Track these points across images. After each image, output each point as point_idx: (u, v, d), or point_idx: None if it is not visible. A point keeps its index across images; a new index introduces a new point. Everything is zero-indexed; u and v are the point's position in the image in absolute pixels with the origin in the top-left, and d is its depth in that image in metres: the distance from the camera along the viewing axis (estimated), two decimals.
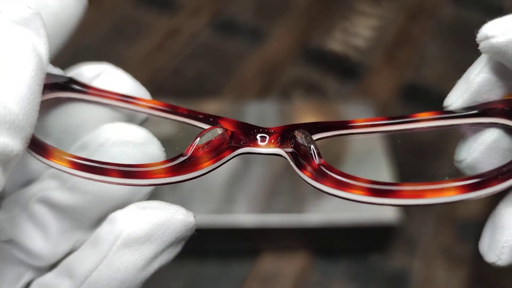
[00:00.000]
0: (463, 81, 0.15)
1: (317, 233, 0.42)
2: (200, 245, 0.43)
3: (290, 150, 0.14)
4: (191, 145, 0.14)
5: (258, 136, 0.14)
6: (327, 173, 0.13)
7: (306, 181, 0.13)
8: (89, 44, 0.63)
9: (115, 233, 0.12)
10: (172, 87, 0.59)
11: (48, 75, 0.14)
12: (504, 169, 0.12)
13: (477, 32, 0.14)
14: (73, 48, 0.62)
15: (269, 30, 0.66)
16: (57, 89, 0.16)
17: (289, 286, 0.42)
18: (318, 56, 0.63)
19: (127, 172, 0.13)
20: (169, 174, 0.13)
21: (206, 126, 0.15)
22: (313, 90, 0.58)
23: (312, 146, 0.13)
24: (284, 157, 0.14)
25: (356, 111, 0.45)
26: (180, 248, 0.14)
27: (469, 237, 0.45)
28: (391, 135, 0.13)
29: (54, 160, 0.13)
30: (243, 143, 0.14)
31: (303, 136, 0.13)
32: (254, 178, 0.42)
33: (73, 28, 0.17)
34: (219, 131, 0.14)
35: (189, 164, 0.13)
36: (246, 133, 0.14)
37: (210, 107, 0.48)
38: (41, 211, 0.14)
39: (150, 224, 0.13)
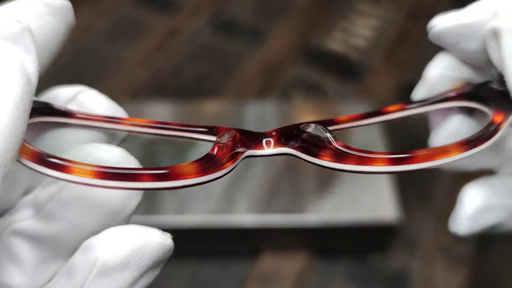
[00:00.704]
0: (422, 77, 0.18)
1: (317, 233, 0.42)
2: (200, 245, 0.43)
3: (297, 145, 0.14)
4: (215, 144, 0.13)
5: (263, 141, 0.14)
6: (348, 153, 0.13)
7: (325, 167, 0.14)
8: (89, 44, 0.63)
9: (90, 262, 0.12)
10: (172, 87, 0.59)
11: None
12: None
13: None
14: (73, 49, 0.63)
15: (269, 30, 0.66)
16: (35, 114, 0.14)
17: (289, 286, 0.42)
18: (318, 56, 0.63)
19: (161, 174, 0.12)
20: (200, 174, 0.13)
21: (207, 137, 0.14)
22: (313, 90, 0.58)
23: (328, 134, 0.14)
24: (292, 154, 0.14)
25: (356, 111, 0.45)
26: (159, 271, 0.13)
27: (469, 237, 0.45)
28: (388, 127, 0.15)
29: (75, 173, 0.12)
30: (251, 147, 0.14)
31: (316, 127, 0.14)
32: (254, 178, 0.42)
33: (54, 51, 0.15)
34: (233, 132, 0.14)
35: (215, 164, 0.13)
36: (251, 138, 0.14)
37: (210, 107, 0.48)
38: (16, 243, 0.13)
39: (126, 250, 0.12)
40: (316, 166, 0.14)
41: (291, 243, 0.44)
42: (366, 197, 0.40)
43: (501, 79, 0.16)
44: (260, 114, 0.46)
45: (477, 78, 0.17)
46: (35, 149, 0.12)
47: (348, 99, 0.57)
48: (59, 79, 0.64)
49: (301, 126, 0.14)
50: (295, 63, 0.62)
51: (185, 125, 0.14)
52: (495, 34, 0.15)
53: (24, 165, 0.12)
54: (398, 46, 0.64)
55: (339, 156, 0.13)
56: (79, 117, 0.15)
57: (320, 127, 0.14)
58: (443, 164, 0.14)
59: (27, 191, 0.15)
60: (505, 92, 0.15)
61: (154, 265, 0.13)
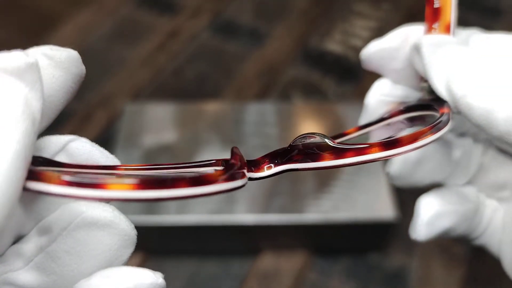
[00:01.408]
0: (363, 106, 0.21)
1: (316, 232, 0.42)
2: (201, 244, 0.43)
3: (294, 159, 0.15)
4: (236, 155, 0.14)
5: (264, 167, 0.15)
6: (346, 148, 0.14)
7: (327, 166, 0.14)
8: (90, 45, 0.64)
9: None
10: (173, 88, 0.59)
11: None
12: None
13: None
14: (76, 49, 0.63)
15: (268, 31, 0.66)
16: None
17: (288, 284, 0.42)
18: (317, 57, 0.63)
19: (196, 180, 0.12)
20: (227, 180, 0.13)
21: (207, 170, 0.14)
22: (312, 91, 0.59)
23: (325, 139, 0.15)
24: (292, 169, 0.15)
25: (355, 112, 0.45)
26: None
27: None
28: None
29: (110, 188, 0.11)
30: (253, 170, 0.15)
31: (314, 138, 0.15)
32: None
33: (58, 105, 0.13)
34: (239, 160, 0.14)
35: (238, 174, 0.14)
36: (250, 165, 0.15)
37: (210, 107, 0.49)
38: None
39: None
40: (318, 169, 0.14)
41: (291, 242, 0.44)
42: (364, 196, 0.40)
43: (430, 89, 0.18)
44: (260, 115, 0.47)
45: (412, 96, 0.20)
46: (61, 173, 0.11)
47: (347, 100, 0.57)
48: None
49: (292, 143, 0.15)
50: (295, 64, 0.62)
51: (180, 164, 0.14)
52: (417, 48, 0.18)
53: (43, 192, 0.11)
54: None
55: (339, 153, 0.14)
56: (68, 171, 0.13)
57: (315, 137, 0.15)
58: (423, 145, 0.15)
59: (16, 238, 0.14)
60: (434, 99, 0.18)
61: None
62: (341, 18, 0.68)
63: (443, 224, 0.20)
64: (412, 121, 0.19)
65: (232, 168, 0.13)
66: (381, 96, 0.21)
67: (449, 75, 0.17)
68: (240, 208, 0.40)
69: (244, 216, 0.40)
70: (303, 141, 0.15)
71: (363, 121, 0.20)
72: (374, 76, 0.70)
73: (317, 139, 0.14)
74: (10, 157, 0.09)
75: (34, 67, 0.11)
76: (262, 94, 0.58)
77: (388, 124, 0.18)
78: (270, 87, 0.59)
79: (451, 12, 0.18)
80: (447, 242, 0.45)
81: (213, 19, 0.68)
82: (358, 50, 0.73)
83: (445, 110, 0.17)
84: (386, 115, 0.19)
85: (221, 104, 0.50)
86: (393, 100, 0.20)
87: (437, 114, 0.17)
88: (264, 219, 0.40)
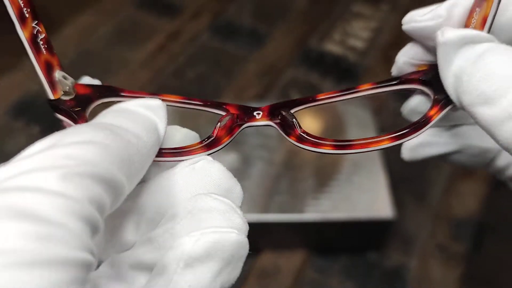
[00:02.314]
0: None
1: (315, 231, 0.43)
2: None
3: (278, 121, 0.18)
4: (215, 128, 0.18)
5: (255, 113, 0.18)
6: (307, 138, 0.18)
7: (292, 143, 0.18)
8: (92, 46, 0.64)
9: (177, 257, 0.13)
10: (173, 88, 0.59)
11: (94, 85, 0.19)
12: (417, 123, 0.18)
13: None
14: (77, 50, 0.63)
15: (268, 32, 0.66)
16: (106, 95, 0.19)
17: (288, 283, 0.43)
18: (316, 57, 0.63)
19: (176, 152, 0.17)
20: (205, 150, 0.17)
21: (217, 111, 0.19)
22: (311, 91, 0.59)
23: (294, 120, 0.18)
24: (274, 127, 0.18)
25: (353, 111, 0.46)
26: (239, 270, 0.15)
27: (465, 235, 0.46)
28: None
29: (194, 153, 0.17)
30: (246, 119, 0.18)
31: (287, 113, 0.18)
32: (254, 179, 0.42)
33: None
34: (230, 116, 0.18)
35: (215, 141, 0.17)
36: (246, 112, 0.18)
37: None
38: (135, 274, 0.15)
39: (208, 243, 0.14)
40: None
41: (290, 241, 0.44)
42: (363, 196, 0.41)
43: None
44: None
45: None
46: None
47: (345, 100, 0.57)
48: None
49: (281, 107, 0.18)
50: (294, 65, 0.62)
51: (202, 101, 0.19)
52: (440, 42, 0.18)
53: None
54: (395, 47, 0.64)
55: (301, 139, 0.18)
56: (131, 96, 0.19)
57: (290, 113, 0.18)
58: (375, 150, 0.18)
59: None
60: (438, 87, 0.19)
61: (233, 260, 0.14)
62: (340, 19, 0.69)
63: (429, 152, 0.22)
64: (411, 92, 0.21)
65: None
66: (408, 59, 0.21)
67: (458, 81, 0.17)
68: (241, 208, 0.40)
69: (245, 215, 0.40)
70: (289, 118, 0.18)
71: (393, 73, 0.21)
72: (373, 76, 0.70)
73: (290, 117, 0.18)
74: (151, 139, 0.15)
75: (163, 107, 0.17)
76: (262, 95, 0.58)
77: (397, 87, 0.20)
78: (269, 87, 0.59)
79: (492, 4, 0.16)
80: (445, 241, 0.45)
81: (213, 20, 0.68)
82: (357, 50, 0.74)
83: (434, 111, 0.18)
84: (399, 77, 0.20)
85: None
86: (421, 63, 0.20)
87: (431, 98, 0.19)
88: (264, 218, 0.40)
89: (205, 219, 0.14)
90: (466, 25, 0.19)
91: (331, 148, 0.18)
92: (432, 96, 0.19)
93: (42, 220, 0.10)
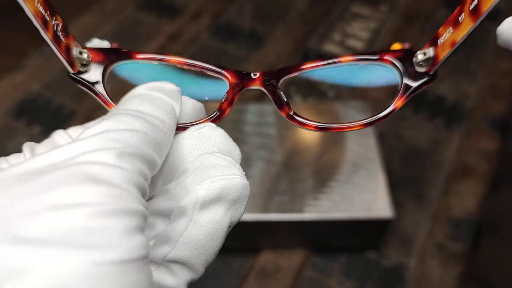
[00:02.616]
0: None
1: (315, 231, 0.43)
2: None
3: (271, 90, 0.21)
4: (220, 103, 0.21)
5: (252, 75, 0.21)
6: (294, 117, 0.21)
7: (282, 116, 0.21)
8: None
9: (193, 201, 0.17)
10: None
11: (106, 50, 0.21)
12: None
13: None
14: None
15: (268, 33, 0.67)
16: (118, 59, 0.21)
17: (287, 282, 0.43)
18: (316, 57, 0.63)
19: (188, 127, 0.19)
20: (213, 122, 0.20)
21: (216, 74, 0.22)
22: (311, 91, 0.59)
23: (287, 100, 0.21)
24: (266, 93, 0.21)
25: (353, 110, 0.46)
26: (244, 208, 0.18)
27: (463, 235, 0.46)
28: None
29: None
30: (244, 84, 0.21)
31: (278, 87, 0.21)
32: (254, 179, 0.42)
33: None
34: (230, 88, 0.21)
35: (221, 114, 0.21)
36: (243, 77, 0.21)
37: (212, 106, 0.49)
38: (154, 220, 0.18)
39: (217, 189, 0.17)
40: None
41: (290, 241, 0.44)
42: (362, 196, 0.41)
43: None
44: (260, 115, 0.47)
45: None
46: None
47: (345, 99, 0.58)
48: (64, 77, 0.65)
49: (275, 80, 0.21)
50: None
51: (207, 64, 0.22)
52: None
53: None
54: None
55: (290, 118, 0.21)
56: (144, 57, 0.21)
57: (281, 93, 0.21)
58: (348, 131, 0.21)
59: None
60: (419, 73, 0.20)
61: (239, 199, 0.18)
62: (340, 19, 0.69)
63: None
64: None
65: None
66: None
67: None
68: None
69: (245, 215, 0.40)
70: (279, 86, 0.21)
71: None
72: None
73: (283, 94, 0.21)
74: (170, 127, 0.18)
75: (178, 92, 0.19)
76: (262, 95, 0.58)
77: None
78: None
79: (463, 35, 0.16)
80: (443, 241, 0.45)
81: (213, 21, 0.68)
82: (356, 51, 0.74)
83: (399, 102, 0.21)
84: (377, 53, 0.22)
85: None
86: None
87: (399, 84, 0.21)
88: (264, 218, 0.40)
89: (211, 172, 0.17)
90: (438, 36, 0.20)
91: (313, 128, 0.21)
92: (400, 83, 0.21)
93: (111, 184, 0.14)
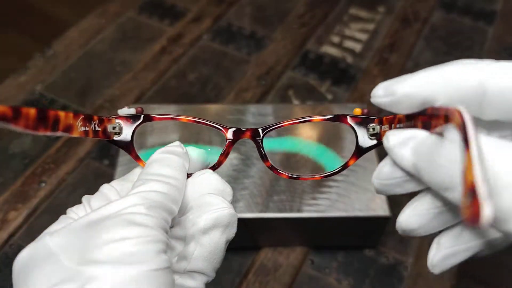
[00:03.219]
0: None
1: (313, 230, 0.43)
2: None
3: (257, 142, 0.27)
4: (220, 155, 0.27)
5: (245, 132, 0.27)
6: (276, 169, 0.27)
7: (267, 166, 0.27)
8: (96, 48, 0.65)
9: (197, 230, 0.24)
10: (175, 89, 0.60)
11: (132, 117, 0.27)
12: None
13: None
14: (81, 51, 0.64)
15: (267, 35, 0.67)
16: (144, 120, 0.27)
17: (287, 279, 0.44)
18: (314, 60, 0.64)
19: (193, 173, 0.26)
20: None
21: (217, 127, 0.27)
22: (309, 93, 0.60)
23: (264, 154, 0.27)
24: (255, 144, 0.27)
25: (350, 113, 0.46)
26: (235, 229, 0.25)
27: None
28: None
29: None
30: (236, 137, 0.27)
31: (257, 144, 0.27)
32: (254, 178, 0.43)
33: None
34: (228, 144, 0.27)
35: (218, 164, 0.27)
36: (236, 133, 0.27)
37: (212, 109, 0.49)
38: (174, 243, 0.25)
39: (212, 219, 0.24)
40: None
41: (289, 239, 0.45)
42: (360, 195, 0.41)
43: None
44: (260, 116, 0.47)
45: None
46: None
47: (342, 101, 0.58)
48: (67, 78, 0.66)
49: (258, 135, 0.27)
50: (293, 67, 0.63)
51: (208, 121, 0.27)
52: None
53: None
54: (391, 50, 0.65)
55: (272, 169, 0.27)
56: (161, 118, 0.27)
57: (261, 148, 0.27)
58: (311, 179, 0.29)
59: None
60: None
61: (230, 223, 0.24)
62: (338, 21, 0.69)
63: (457, 259, 0.22)
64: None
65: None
66: (381, 181, 0.24)
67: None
68: (241, 207, 0.41)
69: (245, 214, 0.41)
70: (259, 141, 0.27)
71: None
72: (370, 78, 0.71)
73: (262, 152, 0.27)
74: (182, 179, 0.25)
75: (186, 153, 0.26)
76: (261, 96, 0.59)
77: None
78: (269, 89, 0.60)
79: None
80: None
81: (213, 24, 0.69)
82: (354, 53, 0.74)
83: (355, 158, 0.26)
84: (336, 116, 0.27)
85: (222, 106, 0.50)
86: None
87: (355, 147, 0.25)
88: (263, 217, 0.41)
89: (207, 208, 0.24)
90: (383, 121, 0.25)
91: (286, 177, 0.27)
92: (355, 145, 0.26)
93: (145, 226, 0.21)
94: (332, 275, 0.44)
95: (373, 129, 0.25)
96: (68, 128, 0.23)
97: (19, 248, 0.45)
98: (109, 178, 0.51)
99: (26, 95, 0.59)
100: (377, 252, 0.45)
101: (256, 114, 0.48)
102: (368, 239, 0.45)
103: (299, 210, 0.41)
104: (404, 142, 0.21)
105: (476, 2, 0.72)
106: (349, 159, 0.26)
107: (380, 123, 0.25)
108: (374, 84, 0.58)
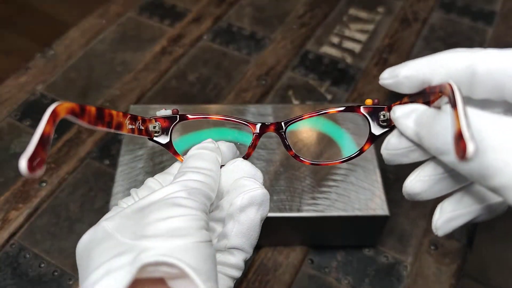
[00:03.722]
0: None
1: (313, 229, 0.43)
2: None
3: (280, 133, 0.30)
4: (248, 148, 0.30)
5: (267, 125, 0.29)
6: (299, 157, 0.30)
7: (290, 154, 0.30)
8: (97, 48, 0.65)
9: (234, 208, 0.26)
10: (175, 89, 0.60)
11: (169, 117, 0.30)
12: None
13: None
14: (82, 52, 0.64)
15: (267, 35, 0.68)
16: (180, 120, 0.30)
17: (287, 279, 0.44)
18: (314, 60, 0.64)
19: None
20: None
21: (245, 123, 0.30)
22: (309, 93, 0.60)
23: (288, 143, 0.30)
24: (279, 137, 0.30)
25: (351, 117, 0.47)
26: (268, 207, 0.27)
27: (459, 233, 0.47)
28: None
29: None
30: (262, 131, 0.30)
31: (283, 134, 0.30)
32: None
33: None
34: (254, 137, 0.30)
35: (247, 156, 0.30)
36: (262, 127, 0.29)
37: (213, 109, 0.50)
38: (214, 225, 0.28)
39: (249, 197, 0.26)
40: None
41: (289, 239, 0.45)
42: (359, 195, 0.41)
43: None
44: (260, 116, 0.48)
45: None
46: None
47: (342, 101, 0.58)
48: (67, 78, 0.66)
49: (282, 127, 0.30)
50: (293, 67, 0.63)
51: (237, 119, 0.30)
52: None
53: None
54: (390, 50, 0.65)
55: (295, 157, 0.30)
56: (194, 117, 0.30)
57: (285, 140, 0.30)
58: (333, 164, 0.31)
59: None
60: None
61: (263, 202, 0.27)
62: (337, 22, 0.70)
63: (459, 222, 0.25)
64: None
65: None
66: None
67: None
68: None
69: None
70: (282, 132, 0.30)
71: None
72: (369, 79, 0.71)
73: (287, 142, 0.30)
74: (216, 168, 0.27)
75: (217, 148, 0.28)
76: (261, 96, 0.59)
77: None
78: (268, 89, 0.60)
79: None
80: (439, 239, 0.46)
81: (214, 24, 0.69)
82: (354, 53, 0.74)
83: (367, 145, 0.28)
84: (351, 106, 0.29)
85: (222, 106, 0.51)
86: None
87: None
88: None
89: (242, 189, 0.27)
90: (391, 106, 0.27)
91: (308, 163, 0.30)
92: (368, 131, 0.28)
93: (187, 207, 0.24)
94: (332, 275, 0.44)
95: (384, 115, 0.27)
96: (119, 126, 0.26)
97: (20, 247, 0.45)
98: (109, 178, 0.51)
99: (27, 95, 0.59)
100: (376, 251, 0.45)
101: (256, 114, 0.48)
102: (368, 239, 0.45)
103: (298, 210, 0.41)
104: (407, 114, 0.24)
105: (475, 2, 0.73)
106: (364, 145, 0.29)
107: (389, 110, 0.27)
108: (374, 84, 0.59)
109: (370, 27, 0.69)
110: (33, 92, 0.59)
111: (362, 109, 0.28)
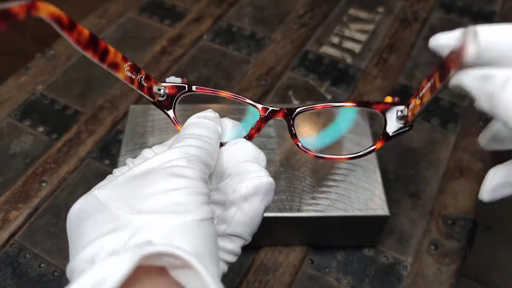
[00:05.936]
0: None
1: (313, 229, 0.43)
2: None
3: (289, 121, 0.29)
4: (251, 129, 0.29)
5: (276, 110, 0.29)
6: (300, 146, 0.29)
7: (294, 142, 0.29)
8: None
9: (238, 196, 0.25)
10: None
11: (177, 85, 0.29)
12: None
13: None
14: (81, 54, 0.64)
15: (267, 35, 0.68)
16: (185, 91, 0.29)
17: (287, 279, 0.44)
18: (314, 60, 0.64)
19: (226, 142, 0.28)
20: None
21: (252, 103, 0.29)
22: (309, 93, 0.60)
23: (294, 132, 0.29)
24: (286, 123, 0.29)
25: (349, 113, 0.47)
26: (272, 197, 0.26)
27: (459, 233, 0.47)
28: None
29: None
30: (270, 115, 0.29)
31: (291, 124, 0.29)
32: None
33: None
34: (261, 120, 0.29)
35: (250, 138, 0.29)
36: (271, 111, 0.29)
37: (213, 109, 0.50)
38: (213, 207, 0.26)
39: (253, 187, 0.25)
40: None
41: (289, 238, 0.45)
42: (359, 195, 0.41)
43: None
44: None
45: None
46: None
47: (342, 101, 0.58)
48: (67, 78, 0.66)
49: (290, 114, 0.29)
50: (293, 67, 0.63)
51: (246, 98, 0.29)
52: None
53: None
54: (391, 50, 0.65)
55: (299, 147, 0.29)
56: (202, 91, 0.30)
57: (292, 127, 0.29)
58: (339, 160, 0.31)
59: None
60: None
61: (268, 191, 0.25)
62: (337, 22, 0.70)
63: (507, 192, 0.24)
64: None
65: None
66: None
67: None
68: None
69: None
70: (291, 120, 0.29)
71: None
72: (369, 79, 0.71)
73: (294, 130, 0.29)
74: (216, 141, 0.26)
75: (217, 117, 0.28)
76: (261, 96, 0.59)
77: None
78: (268, 89, 0.60)
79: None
80: (440, 239, 0.46)
81: (214, 24, 0.69)
82: (354, 53, 0.74)
83: (379, 144, 0.28)
84: (370, 103, 0.28)
85: (222, 106, 0.51)
86: None
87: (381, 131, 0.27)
88: (264, 217, 0.41)
89: (247, 175, 0.25)
90: (410, 102, 0.26)
91: (313, 155, 0.29)
92: (382, 130, 0.27)
93: (187, 177, 0.22)
94: (332, 275, 0.44)
95: (401, 111, 0.27)
96: (115, 65, 0.24)
97: (20, 247, 0.45)
98: None
99: (27, 95, 0.59)
100: (376, 251, 0.45)
101: (256, 114, 0.48)
102: (368, 239, 0.45)
103: (298, 210, 0.41)
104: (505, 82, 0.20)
105: (475, 2, 0.73)
106: (377, 142, 0.28)
107: (408, 106, 0.26)
108: (374, 84, 0.59)
109: (370, 27, 0.69)
110: (33, 92, 0.59)
111: (377, 105, 0.27)
